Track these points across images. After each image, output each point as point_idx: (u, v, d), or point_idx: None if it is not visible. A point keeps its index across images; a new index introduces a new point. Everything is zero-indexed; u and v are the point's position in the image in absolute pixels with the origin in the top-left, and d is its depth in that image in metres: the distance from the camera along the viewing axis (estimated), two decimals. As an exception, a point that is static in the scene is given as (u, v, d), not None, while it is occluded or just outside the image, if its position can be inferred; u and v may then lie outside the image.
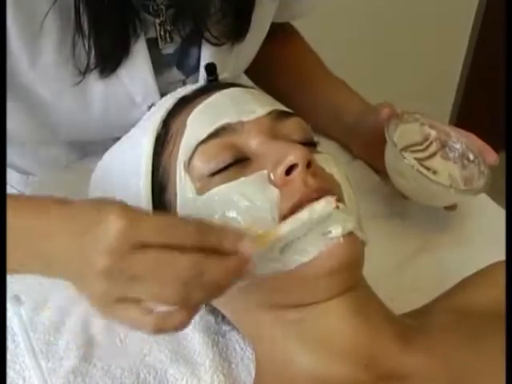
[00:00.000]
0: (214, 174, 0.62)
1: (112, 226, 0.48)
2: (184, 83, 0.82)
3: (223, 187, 0.61)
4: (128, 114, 0.78)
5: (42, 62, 0.72)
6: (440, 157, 0.86)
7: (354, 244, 0.61)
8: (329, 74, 1.00)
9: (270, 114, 0.67)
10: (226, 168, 0.62)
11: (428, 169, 0.82)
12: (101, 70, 0.74)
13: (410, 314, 0.70)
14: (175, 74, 0.82)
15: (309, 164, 0.61)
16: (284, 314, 0.63)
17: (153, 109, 0.73)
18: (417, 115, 0.86)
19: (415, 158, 0.81)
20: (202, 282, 0.49)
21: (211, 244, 0.50)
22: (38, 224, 0.53)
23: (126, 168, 0.69)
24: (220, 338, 0.74)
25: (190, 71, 0.82)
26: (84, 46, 0.71)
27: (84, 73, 0.73)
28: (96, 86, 0.76)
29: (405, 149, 0.82)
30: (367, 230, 0.65)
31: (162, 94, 0.77)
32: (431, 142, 0.86)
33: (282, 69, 0.99)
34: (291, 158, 0.60)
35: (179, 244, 0.49)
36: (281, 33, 0.96)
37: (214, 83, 0.76)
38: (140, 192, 0.66)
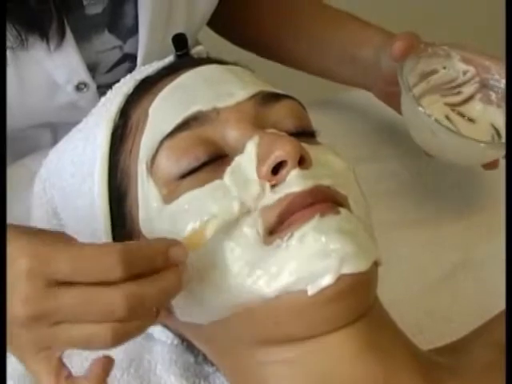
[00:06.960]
0: (183, 176, 0.54)
1: (20, 269, 0.45)
2: (122, 50, 0.71)
3: (196, 193, 0.53)
4: (51, 98, 0.70)
5: None
6: (479, 100, 0.72)
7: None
8: (327, 6, 0.85)
9: (253, 97, 0.57)
10: (198, 168, 0.54)
11: (463, 116, 0.69)
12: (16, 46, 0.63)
13: (442, 349, 0.60)
14: (107, 39, 0.71)
15: (301, 160, 0.53)
16: (275, 352, 0.54)
17: (108, 93, 0.63)
18: (445, 47, 0.71)
19: (446, 104, 0.68)
20: (139, 312, 0.46)
21: (141, 269, 0.47)
22: None
23: (78, 170, 0.59)
24: (202, 382, 0.63)
25: (127, 34, 0.71)
26: None
27: None
28: (7, 68, 0.66)
29: (430, 92, 0.69)
30: (387, 242, 0.56)
31: (93, 69, 0.69)
32: (467, 81, 0.72)
33: (265, 5, 0.85)
34: (279, 153, 0.52)
35: (103, 281, 0.45)
36: None
37: (184, 60, 0.64)
38: (94, 202, 0.57)
